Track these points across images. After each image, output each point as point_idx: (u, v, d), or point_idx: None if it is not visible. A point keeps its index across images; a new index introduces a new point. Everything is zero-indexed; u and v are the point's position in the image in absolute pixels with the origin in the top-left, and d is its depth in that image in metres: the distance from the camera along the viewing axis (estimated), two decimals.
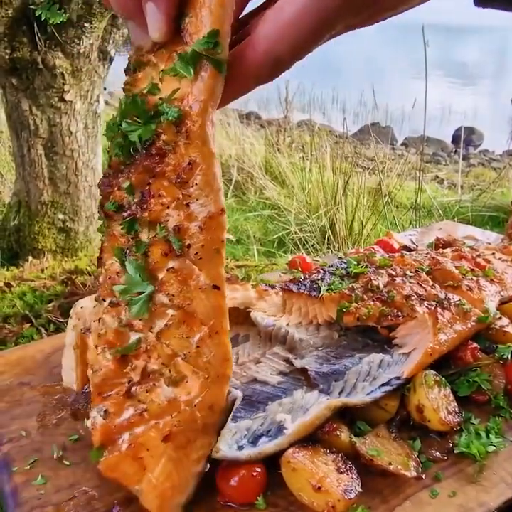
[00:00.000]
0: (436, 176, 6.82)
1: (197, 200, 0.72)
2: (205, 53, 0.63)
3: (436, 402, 1.02)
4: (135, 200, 0.76)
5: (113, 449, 0.83)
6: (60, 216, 3.43)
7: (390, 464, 0.93)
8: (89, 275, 1.81)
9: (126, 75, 0.75)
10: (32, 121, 3.19)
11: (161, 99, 0.68)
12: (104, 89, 3.55)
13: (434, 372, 1.06)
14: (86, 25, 3.02)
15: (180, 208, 0.73)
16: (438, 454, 1.01)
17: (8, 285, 1.79)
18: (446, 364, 1.13)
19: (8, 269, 2.05)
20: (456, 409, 1.03)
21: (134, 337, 0.82)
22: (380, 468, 0.93)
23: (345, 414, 1.00)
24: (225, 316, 0.79)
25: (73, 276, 1.78)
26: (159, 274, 0.78)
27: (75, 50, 3.08)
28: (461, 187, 5.78)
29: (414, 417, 1.04)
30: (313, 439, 0.94)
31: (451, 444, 1.02)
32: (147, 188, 0.74)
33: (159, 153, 0.71)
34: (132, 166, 0.75)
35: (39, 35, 2.98)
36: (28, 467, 0.96)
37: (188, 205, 0.73)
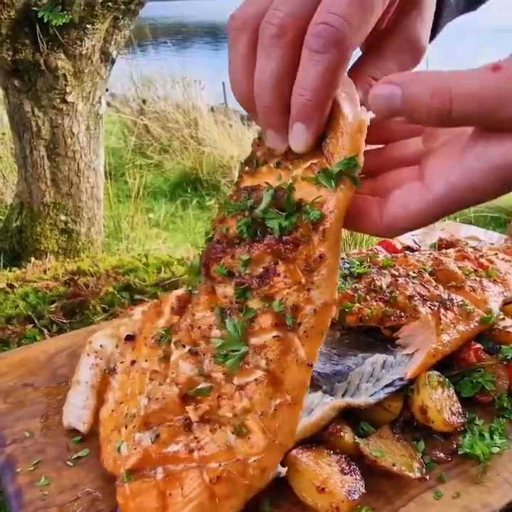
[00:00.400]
0: None
1: (317, 288, 0.82)
2: (345, 171, 0.75)
3: (439, 402, 1.01)
4: (247, 271, 0.85)
5: (142, 476, 0.81)
6: (62, 217, 3.44)
7: (394, 465, 0.93)
8: (92, 276, 1.81)
9: (245, 164, 0.88)
10: (34, 122, 3.20)
11: (301, 199, 0.79)
12: (106, 90, 3.56)
13: (438, 373, 1.06)
14: (88, 26, 3.02)
15: (300, 291, 0.82)
16: (442, 455, 1.01)
17: (10, 286, 1.79)
18: (449, 365, 1.12)
19: (10, 271, 2.05)
20: (460, 410, 1.03)
21: (204, 385, 0.85)
22: (383, 469, 0.93)
23: (349, 416, 1.00)
24: (306, 392, 0.84)
25: (76, 277, 1.78)
26: (259, 338, 0.84)
27: (77, 51, 3.09)
28: None
29: (417, 418, 1.04)
30: (316, 440, 0.94)
31: (454, 445, 1.02)
32: (273, 267, 0.84)
33: (294, 242, 0.81)
34: (256, 244, 0.85)
35: (41, 36, 2.99)
36: (32, 468, 0.96)
37: (309, 290, 0.82)
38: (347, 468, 0.90)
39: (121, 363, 0.98)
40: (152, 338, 0.98)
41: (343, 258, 1.56)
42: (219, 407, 0.83)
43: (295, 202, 0.79)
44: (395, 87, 0.60)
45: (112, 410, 0.96)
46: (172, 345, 0.92)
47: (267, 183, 0.82)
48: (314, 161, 0.78)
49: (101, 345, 1.06)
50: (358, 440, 0.96)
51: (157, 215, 5.21)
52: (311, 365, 0.83)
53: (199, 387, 0.84)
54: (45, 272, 1.89)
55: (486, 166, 0.60)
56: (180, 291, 1.03)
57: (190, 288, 0.94)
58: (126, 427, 0.89)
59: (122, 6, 3.10)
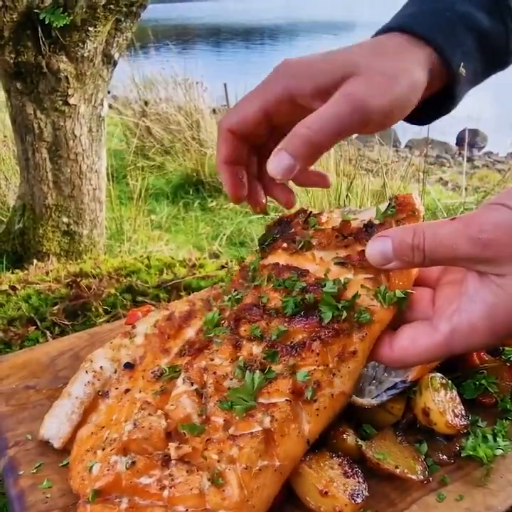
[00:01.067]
0: (440, 178, 6.81)
1: (341, 377, 0.88)
2: (399, 300, 0.86)
3: (442, 405, 1.01)
4: (278, 339, 0.92)
5: (106, 501, 0.80)
6: (65, 219, 3.44)
7: (397, 467, 0.92)
8: (94, 278, 1.81)
9: (262, 242, 1.05)
10: (36, 124, 3.20)
11: (353, 297, 0.89)
12: (108, 92, 3.56)
13: (441, 375, 1.06)
14: (90, 29, 3.03)
15: (326, 373, 0.88)
16: (445, 457, 1.00)
17: (13, 288, 1.80)
18: (452, 367, 1.12)
19: (13, 272, 2.05)
20: (463, 412, 1.03)
21: (198, 423, 0.86)
22: (386, 472, 0.93)
23: (351, 418, 1.00)
24: (294, 465, 0.86)
25: (78, 279, 1.78)
26: (270, 400, 0.86)
27: (79, 54, 3.10)
28: (466, 189, 5.77)
29: (420, 420, 1.04)
30: (318, 442, 0.94)
31: (457, 448, 1.01)
32: (309, 342, 0.90)
33: (336, 331, 0.88)
34: (297, 319, 0.92)
35: (43, 39, 2.99)
36: (34, 471, 0.96)
37: (333, 375, 0.88)
38: (350, 470, 0.90)
39: (116, 388, 0.98)
40: (151, 372, 0.98)
41: None
42: (205, 450, 0.82)
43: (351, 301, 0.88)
44: (386, 238, 0.75)
45: (92, 432, 0.95)
46: (178, 381, 0.93)
47: (312, 273, 0.93)
48: (371, 275, 0.89)
49: (101, 367, 1.05)
50: (360, 442, 0.96)
51: (159, 217, 5.22)
52: (309, 444, 0.86)
53: (194, 425, 0.85)
54: (47, 273, 1.89)
55: (483, 307, 0.70)
56: (193, 330, 1.06)
57: (209, 334, 0.99)
58: (103, 450, 0.88)
59: (124, 9, 3.11)
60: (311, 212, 0.97)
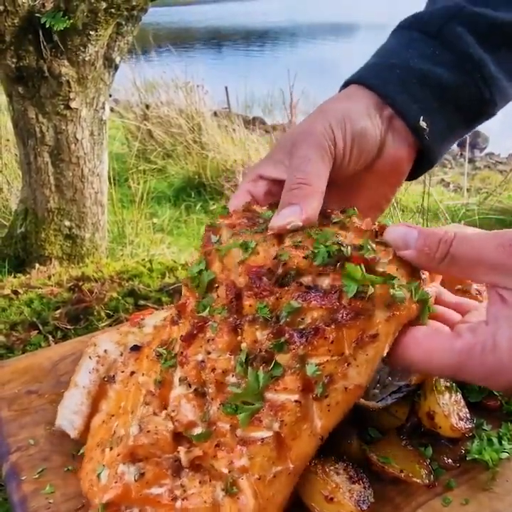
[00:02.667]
0: (442, 180, 6.80)
1: (358, 366, 0.76)
2: (424, 298, 0.78)
3: (447, 408, 1.00)
4: (288, 318, 0.77)
5: None
6: (67, 223, 3.44)
7: (402, 471, 0.92)
8: (96, 282, 1.81)
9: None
10: (38, 128, 3.21)
11: (388, 276, 0.77)
12: (110, 96, 3.57)
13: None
14: (91, 33, 3.04)
15: (340, 364, 0.76)
16: (450, 461, 0.99)
17: (15, 292, 1.80)
18: None
19: (15, 277, 2.05)
20: (468, 415, 1.02)
21: (204, 429, 0.80)
22: (391, 476, 0.92)
23: (356, 422, 0.99)
24: (307, 463, 0.81)
25: (80, 283, 1.78)
26: (278, 397, 0.78)
27: (80, 58, 3.10)
28: (468, 190, 5.76)
29: (425, 424, 1.03)
30: (322, 447, 0.93)
31: (463, 451, 1.01)
32: (323, 328, 0.76)
33: (357, 311, 0.75)
34: (314, 294, 0.77)
35: (45, 43, 3.00)
36: (37, 476, 0.96)
37: (349, 365, 0.76)
38: (355, 476, 0.89)
39: (122, 372, 0.96)
40: (154, 351, 0.93)
41: None
42: (215, 457, 0.78)
43: (387, 273, 0.76)
44: (412, 227, 0.73)
45: (103, 421, 0.94)
46: (174, 380, 0.85)
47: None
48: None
49: (105, 351, 1.03)
50: (364, 446, 0.95)
51: (161, 220, 5.22)
52: (322, 440, 0.79)
53: (198, 432, 0.79)
54: (49, 278, 1.89)
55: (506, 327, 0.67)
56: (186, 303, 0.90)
57: (202, 313, 0.83)
58: (111, 449, 0.86)
59: (125, 13, 3.11)
60: (355, 211, 0.86)
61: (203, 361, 0.82)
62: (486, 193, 5.59)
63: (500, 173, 7.43)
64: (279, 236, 0.81)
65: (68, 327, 1.60)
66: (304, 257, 0.76)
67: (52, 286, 1.81)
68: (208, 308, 0.83)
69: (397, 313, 0.75)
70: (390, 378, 1.05)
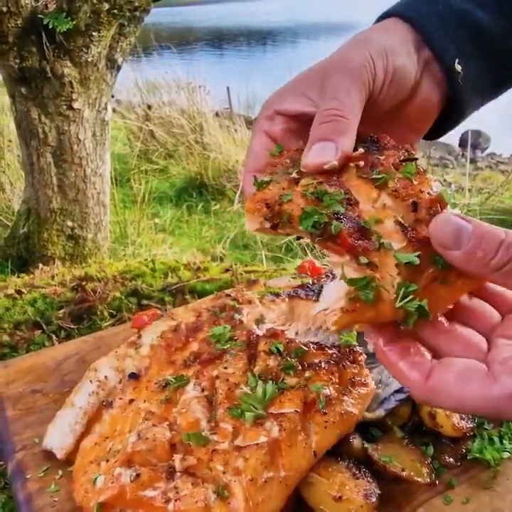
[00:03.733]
0: (444, 180, 6.80)
1: (351, 399, 0.92)
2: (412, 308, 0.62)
3: None
4: (294, 356, 0.98)
5: None
6: (69, 223, 3.45)
7: (403, 470, 0.92)
8: (99, 281, 1.82)
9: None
10: (41, 129, 3.22)
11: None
12: (112, 96, 3.58)
13: None
14: (94, 34, 3.04)
15: (338, 391, 0.92)
16: (451, 460, 1.00)
17: (18, 292, 1.81)
18: None
19: (18, 276, 2.06)
20: (469, 414, 1.03)
21: (204, 434, 0.87)
22: (393, 475, 0.93)
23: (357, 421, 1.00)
24: (300, 478, 0.85)
25: (83, 283, 1.79)
26: (280, 410, 0.88)
27: (83, 58, 3.11)
28: (469, 190, 5.76)
29: (426, 423, 1.04)
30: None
31: (464, 450, 1.01)
32: (326, 362, 0.96)
33: (351, 360, 1.03)
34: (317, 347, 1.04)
35: (48, 44, 3.01)
36: (42, 474, 0.97)
37: (343, 395, 0.92)
38: (358, 472, 0.90)
39: (120, 399, 1.00)
40: (155, 383, 1.00)
41: None
42: (211, 461, 0.82)
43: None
44: (467, 221, 0.59)
45: (96, 443, 0.95)
46: (188, 387, 0.95)
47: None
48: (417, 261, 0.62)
49: (105, 377, 1.05)
50: (366, 445, 0.96)
51: (163, 220, 5.23)
52: (316, 456, 0.86)
53: (200, 432, 0.86)
54: (52, 277, 1.90)
55: None
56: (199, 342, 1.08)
57: (223, 347, 1.02)
58: (107, 461, 0.88)
59: (127, 13, 3.12)
60: (417, 159, 0.74)
61: (217, 377, 0.94)
62: (488, 193, 5.59)
63: (501, 173, 7.43)
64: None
65: (72, 327, 1.60)
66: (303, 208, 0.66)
67: (55, 286, 1.82)
68: (224, 341, 1.04)
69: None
70: (391, 377, 1.05)
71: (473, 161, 8.14)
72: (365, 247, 0.61)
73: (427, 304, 0.60)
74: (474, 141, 8.95)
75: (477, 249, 0.57)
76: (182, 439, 0.86)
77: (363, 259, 0.60)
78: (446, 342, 0.62)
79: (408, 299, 0.59)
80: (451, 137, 9.41)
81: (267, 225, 0.67)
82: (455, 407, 0.59)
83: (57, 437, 0.99)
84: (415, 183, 0.68)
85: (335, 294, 0.63)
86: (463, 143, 9.03)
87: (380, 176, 0.68)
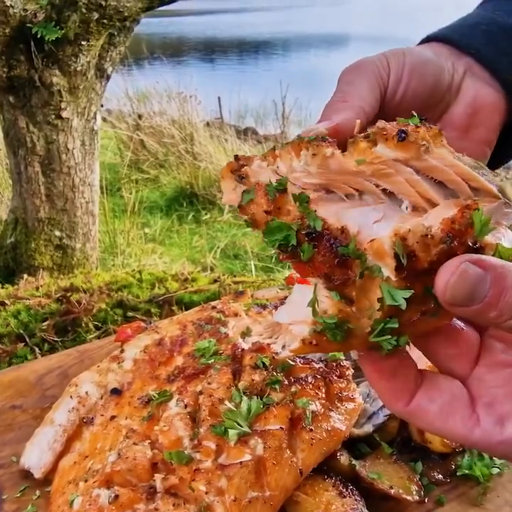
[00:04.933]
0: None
1: (339, 414, 0.91)
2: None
3: None
4: (281, 371, 0.95)
5: None
6: (57, 233, 3.42)
7: (392, 487, 0.90)
8: (85, 293, 1.79)
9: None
10: (29, 138, 3.19)
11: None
12: (101, 106, 3.56)
13: None
14: (83, 43, 3.03)
15: (324, 407, 0.90)
16: (440, 476, 0.98)
17: (2, 303, 1.77)
18: None
19: (3, 287, 2.03)
20: None
21: (187, 452, 0.85)
22: (381, 492, 0.90)
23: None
24: (286, 497, 0.83)
25: (68, 294, 1.76)
26: (265, 426, 0.86)
27: (71, 67, 3.10)
28: None
29: (415, 439, 1.02)
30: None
31: (453, 466, 0.99)
32: (313, 377, 0.93)
33: (337, 375, 1.02)
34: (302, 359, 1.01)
35: (36, 53, 2.99)
36: (19, 495, 0.94)
37: (330, 410, 0.91)
38: (345, 490, 0.88)
39: (102, 415, 0.97)
40: (138, 398, 0.97)
41: None
42: (193, 481, 0.80)
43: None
44: (484, 271, 0.48)
45: (75, 462, 0.93)
46: (170, 403, 0.93)
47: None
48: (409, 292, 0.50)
49: (86, 392, 1.02)
50: (354, 462, 0.94)
51: (153, 230, 5.20)
52: (302, 474, 0.84)
53: (182, 451, 0.83)
54: (37, 288, 1.86)
55: None
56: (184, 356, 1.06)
57: (207, 361, 1.00)
58: (86, 481, 0.85)
59: (117, 23, 3.12)
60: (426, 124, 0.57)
61: (201, 392, 0.92)
62: None
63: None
64: None
65: (56, 339, 1.57)
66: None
67: (40, 297, 1.78)
68: (209, 355, 1.01)
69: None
70: None
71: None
72: (343, 280, 0.49)
73: (406, 340, 0.51)
74: None
75: (492, 309, 0.48)
76: (164, 458, 0.84)
77: (336, 296, 0.50)
78: (433, 346, 0.57)
79: (384, 337, 0.50)
80: None
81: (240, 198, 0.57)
82: (435, 433, 0.57)
83: (36, 456, 0.96)
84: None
85: (302, 309, 0.52)
86: None
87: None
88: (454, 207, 0.50)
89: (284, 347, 0.70)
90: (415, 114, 0.57)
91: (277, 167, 0.57)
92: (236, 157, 0.60)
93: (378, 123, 0.55)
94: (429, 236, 0.48)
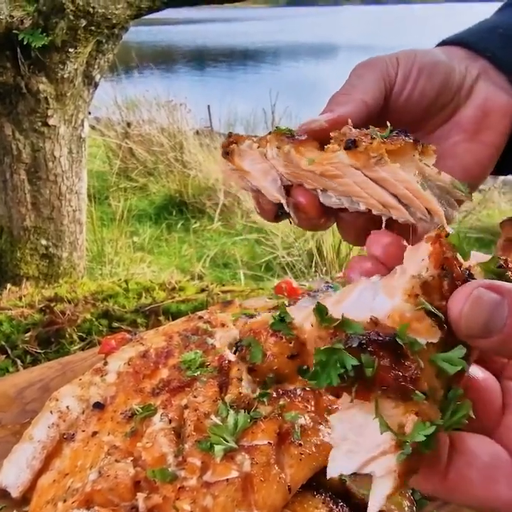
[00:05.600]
0: None
1: (328, 427, 0.86)
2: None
3: None
4: (269, 381, 0.87)
5: None
6: (43, 242, 3.37)
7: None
8: (69, 303, 1.75)
9: None
10: (15, 146, 3.15)
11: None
12: (89, 113, 3.53)
13: None
14: (70, 50, 3.01)
15: (314, 420, 0.87)
16: None
17: None
18: None
19: None
20: None
21: (171, 470, 0.81)
22: None
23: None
24: None
25: (52, 304, 1.72)
26: (252, 442, 0.82)
27: (59, 75, 3.07)
28: None
29: None
30: None
31: None
32: (302, 390, 0.89)
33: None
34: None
35: (23, 60, 2.96)
36: None
37: (320, 423, 0.87)
38: (335, 507, 0.86)
39: (83, 431, 0.93)
40: (121, 413, 0.94)
41: (327, 282, 1.52)
42: (177, 499, 0.77)
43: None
44: (498, 293, 0.44)
45: (54, 480, 0.89)
46: (155, 418, 0.89)
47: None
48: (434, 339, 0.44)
49: (67, 407, 0.98)
50: (344, 477, 0.91)
51: (142, 239, 5.16)
52: (290, 491, 0.81)
53: (166, 468, 0.80)
54: (20, 298, 1.82)
55: None
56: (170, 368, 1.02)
57: (193, 374, 0.97)
58: (64, 501, 0.82)
59: (105, 31, 3.09)
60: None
61: (186, 406, 0.89)
62: (466, 211, 5.65)
63: (478, 191, 7.54)
64: None
65: (38, 351, 1.53)
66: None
67: (23, 307, 1.74)
68: (198, 370, 0.97)
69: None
70: None
71: None
72: (415, 377, 0.41)
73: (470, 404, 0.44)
74: None
75: None
76: (147, 476, 0.80)
77: (419, 395, 0.40)
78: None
79: (460, 413, 0.43)
80: None
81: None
82: (478, 505, 0.48)
83: (13, 474, 0.91)
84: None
85: (366, 439, 0.42)
86: None
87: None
88: (425, 243, 0.47)
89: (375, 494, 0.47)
90: (389, 125, 0.58)
91: (266, 151, 0.61)
92: (229, 134, 0.66)
93: (344, 128, 0.58)
94: (429, 279, 0.44)
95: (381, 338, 0.41)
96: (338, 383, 0.41)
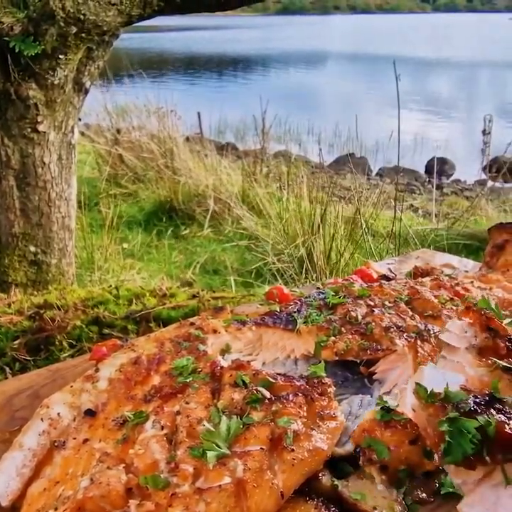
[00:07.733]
0: (411, 205, 6.92)
1: (320, 433, 0.89)
2: None
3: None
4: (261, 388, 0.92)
5: None
6: (32, 248, 3.34)
7: (375, 508, 0.88)
8: (59, 309, 1.74)
9: None
10: (4, 152, 3.13)
11: None
12: (79, 120, 3.52)
13: None
14: (61, 57, 3.00)
15: (306, 426, 0.88)
16: (424, 495, 0.96)
17: None
18: None
19: None
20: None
21: (163, 476, 0.81)
22: None
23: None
24: None
25: (41, 311, 1.71)
26: (245, 448, 0.83)
27: (49, 81, 3.06)
28: (436, 215, 5.87)
29: None
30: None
31: (437, 485, 0.97)
32: (294, 395, 0.91)
33: (319, 392, 0.96)
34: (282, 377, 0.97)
35: (13, 66, 2.95)
36: None
37: (312, 429, 0.88)
38: None
39: (74, 438, 0.93)
40: (113, 420, 0.94)
41: (318, 288, 1.53)
42: (170, 506, 0.76)
43: None
44: None
45: (45, 488, 0.88)
46: (146, 424, 0.89)
47: None
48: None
49: (58, 414, 0.97)
50: (336, 482, 0.91)
51: (131, 245, 5.14)
52: (283, 497, 0.81)
53: (158, 475, 0.80)
54: (9, 305, 1.81)
55: None
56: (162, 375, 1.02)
57: (185, 380, 0.98)
58: (55, 510, 0.81)
59: (96, 37, 3.09)
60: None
61: (178, 412, 0.89)
62: (454, 218, 5.70)
63: (466, 199, 7.61)
64: None
65: (27, 358, 1.52)
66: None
67: (12, 314, 1.73)
68: (190, 376, 0.98)
69: None
70: (361, 409, 1.02)
71: (439, 187, 8.33)
72: None
73: None
74: (440, 168, 9.18)
75: None
76: (139, 483, 0.80)
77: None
78: None
79: None
80: (418, 164, 9.64)
81: None
82: None
83: (3, 482, 0.90)
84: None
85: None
86: (429, 169, 9.25)
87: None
88: (463, 316, 0.52)
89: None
90: None
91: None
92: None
93: None
94: (482, 344, 0.50)
95: (486, 399, 0.45)
96: (471, 449, 0.45)
